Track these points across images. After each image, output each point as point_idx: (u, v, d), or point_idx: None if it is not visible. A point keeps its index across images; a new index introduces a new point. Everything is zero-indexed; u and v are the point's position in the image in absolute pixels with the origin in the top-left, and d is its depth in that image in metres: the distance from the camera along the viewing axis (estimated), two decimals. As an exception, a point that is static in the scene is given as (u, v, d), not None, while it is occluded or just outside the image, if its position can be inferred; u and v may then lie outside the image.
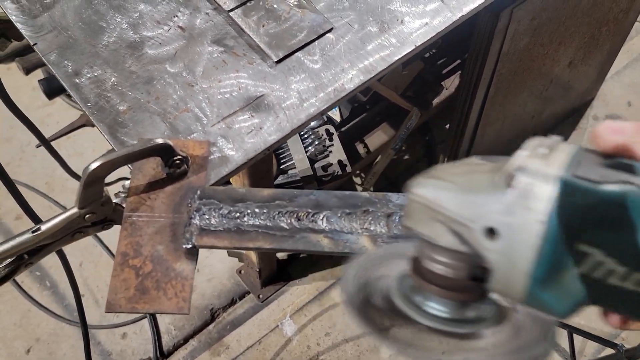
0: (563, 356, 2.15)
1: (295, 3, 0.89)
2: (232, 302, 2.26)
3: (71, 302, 2.21)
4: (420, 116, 1.80)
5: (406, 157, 2.56)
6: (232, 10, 0.88)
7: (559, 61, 2.08)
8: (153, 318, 2.19)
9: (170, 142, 0.69)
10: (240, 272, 2.30)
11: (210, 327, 2.21)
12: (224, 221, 0.69)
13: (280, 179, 1.76)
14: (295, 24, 0.87)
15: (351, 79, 0.83)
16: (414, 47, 0.86)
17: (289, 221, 0.70)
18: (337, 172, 1.76)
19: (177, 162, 0.71)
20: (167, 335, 2.17)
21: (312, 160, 1.78)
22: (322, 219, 0.70)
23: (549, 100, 2.29)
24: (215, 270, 2.32)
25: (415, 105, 1.77)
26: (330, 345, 2.19)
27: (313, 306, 2.26)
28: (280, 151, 1.79)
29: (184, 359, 2.15)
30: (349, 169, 1.76)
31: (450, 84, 2.12)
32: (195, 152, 0.74)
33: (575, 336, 2.11)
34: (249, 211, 0.70)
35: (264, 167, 1.44)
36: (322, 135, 1.82)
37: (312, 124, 1.84)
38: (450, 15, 0.90)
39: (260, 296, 2.26)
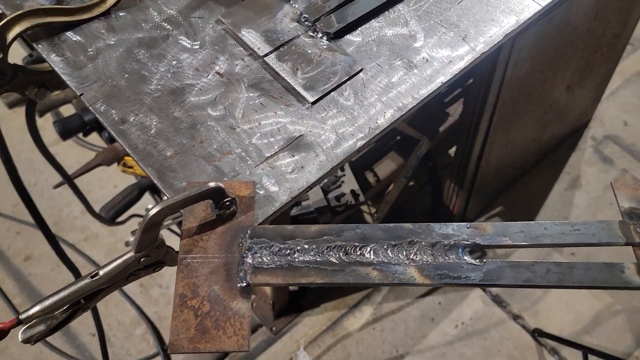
0: (579, 376, 2.16)
1: (326, 46, 0.94)
2: (246, 336, 2.26)
3: (83, 341, 2.20)
4: (429, 144, 1.84)
5: (411, 183, 2.60)
6: (266, 55, 0.92)
7: (557, 86, 2.15)
8: (166, 355, 2.18)
9: (222, 185, 0.72)
10: (252, 305, 2.30)
11: (225, 362, 2.20)
12: (276, 258, 0.72)
13: (294, 211, 1.79)
14: (328, 66, 0.91)
15: (385, 117, 0.87)
16: (440, 84, 0.91)
17: (337, 255, 0.73)
18: (351, 201, 1.79)
19: (227, 203, 0.74)
20: (182, 372, 2.16)
21: (325, 191, 1.81)
22: (370, 252, 0.73)
23: (548, 123, 2.35)
24: (228, 304, 2.32)
25: (424, 134, 1.81)
26: (346, 376, 2.19)
27: (326, 337, 2.27)
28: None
29: (200, 396, 2.14)
30: (362, 198, 1.80)
31: (455, 111, 2.18)
32: (242, 193, 0.77)
33: (590, 356, 2.13)
34: (298, 248, 0.73)
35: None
36: (334, 166, 1.86)
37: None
38: (471, 51, 0.94)
39: (274, 329, 2.26)
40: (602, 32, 2.12)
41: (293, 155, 0.82)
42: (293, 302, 2.29)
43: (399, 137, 1.97)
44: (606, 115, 2.77)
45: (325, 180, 1.80)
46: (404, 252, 0.74)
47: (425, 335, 2.27)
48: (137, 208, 2.06)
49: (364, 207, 2.26)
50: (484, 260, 0.73)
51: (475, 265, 0.73)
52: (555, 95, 2.20)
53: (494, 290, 2.37)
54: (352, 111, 0.87)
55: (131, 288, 2.31)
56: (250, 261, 0.71)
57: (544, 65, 1.93)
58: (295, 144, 0.83)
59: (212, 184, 0.71)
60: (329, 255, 0.73)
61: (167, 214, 0.69)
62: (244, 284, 0.70)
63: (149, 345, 2.22)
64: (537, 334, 2.26)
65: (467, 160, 2.13)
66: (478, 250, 0.75)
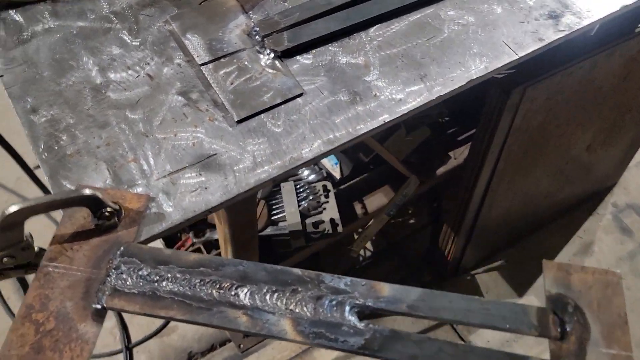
0: None
1: (270, 64, 0.88)
2: (212, 348, 2.19)
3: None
4: (419, 184, 1.75)
5: (412, 221, 2.50)
6: (204, 64, 0.87)
7: (576, 143, 2.01)
8: (130, 353, 2.14)
9: (98, 194, 0.66)
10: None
11: (186, 371, 2.14)
12: (141, 283, 0.65)
13: (268, 230, 1.73)
14: (265, 84, 0.85)
15: (311, 149, 0.80)
16: (383, 122, 0.83)
17: (209, 292, 0.66)
18: (328, 230, 1.71)
19: (107, 214, 0.68)
20: (140, 375, 2.12)
21: (304, 215, 1.74)
22: (246, 294, 0.66)
23: (565, 181, 2.21)
24: (201, 312, 2.26)
25: (415, 173, 1.72)
26: (304, 409, 2.09)
27: (294, 364, 2.18)
28: (273, 201, 1.76)
29: (153, 402, 2.08)
30: (340, 228, 1.71)
31: (460, 154, 2.08)
32: (131, 205, 0.71)
33: None
34: (169, 275, 0.66)
35: (246, 218, 1.41)
36: (319, 190, 1.79)
37: (310, 177, 1.81)
38: (427, 95, 0.86)
39: (241, 346, 2.19)
40: (634, 94, 1.98)
41: (200, 175, 0.76)
42: (266, 322, 2.22)
43: (393, 172, 1.89)
44: (632, 183, 2.59)
45: (305, 204, 1.73)
46: (284, 301, 0.66)
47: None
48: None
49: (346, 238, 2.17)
50: (370, 325, 0.65)
51: (358, 328, 0.65)
52: (574, 152, 2.06)
53: (478, 347, 2.23)
54: (278, 137, 0.81)
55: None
56: (112, 281, 0.65)
57: (561, 120, 1.81)
58: (205, 163, 0.77)
59: (86, 191, 0.66)
60: (199, 290, 0.66)
61: (28, 214, 0.64)
62: (99, 306, 0.64)
63: (115, 340, 2.19)
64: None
65: (465, 207, 2.02)
66: (367, 315, 0.66)
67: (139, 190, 0.74)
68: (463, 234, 2.16)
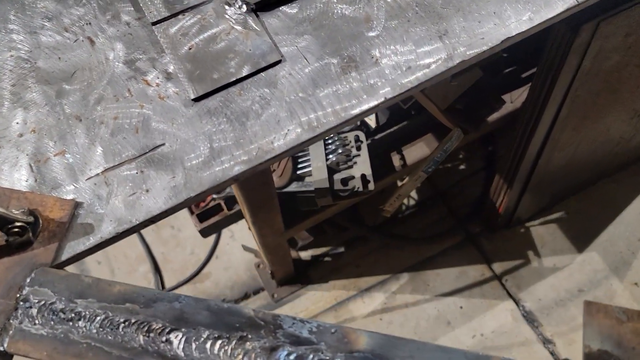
0: None
1: (241, 21, 0.68)
2: (246, 296, 2.14)
3: (87, 267, 2.20)
4: (466, 132, 1.52)
5: (462, 167, 2.27)
6: (157, 22, 0.68)
7: (660, 84, 1.69)
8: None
9: (1, 209, 0.52)
10: (258, 266, 2.16)
11: (218, 318, 2.11)
12: (52, 322, 0.52)
13: (292, 187, 1.57)
14: (232, 48, 0.66)
15: (286, 135, 0.61)
16: (384, 99, 0.63)
17: (134, 336, 0.52)
18: (358, 188, 1.54)
19: (16, 230, 0.55)
20: (173, 319, 2.11)
21: (333, 170, 1.56)
22: (180, 340, 0.51)
23: (640, 127, 1.91)
24: (234, 259, 2.20)
25: (462, 122, 1.49)
26: (338, 362, 2.02)
27: (328, 316, 2.09)
28: (299, 154, 1.59)
29: (186, 347, 2.08)
30: (371, 186, 1.53)
31: (517, 98, 1.80)
32: (53, 214, 0.57)
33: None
34: (87, 313, 0.52)
35: (261, 180, 1.26)
36: (350, 142, 1.59)
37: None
38: (446, 59, 0.64)
39: (275, 295, 2.12)
40: None
41: (141, 172, 0.60)
42: (301, 272, 2.13)
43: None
44: None
45: (334, 158, 1.55)
46: (228, 351, 0.51)
47: (436, 338, 2.03)
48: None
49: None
50: (336, 391, 0.49)
51: (319, 395, 0.49)
52: (656, 93, 1.75)
53: (528, 305, 2.06)
54: (244, 120, 0.63)
55: (142, 223, 2.24)
56: (18, 319, 0.53)
57: (642, 58, 1.50)
58: (150, 156, 0.61)
59: (-19, 207, 0.52)
60: (123, 333, 0.52)
61: None
62: (1, 349, 0.52)
63: (150, 284, 2.17)
64: (566, 369, 1.95)
65: (522, 155, 1.77)
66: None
67: (65, 193, 0.60)
68: (518, 183, 1.92)
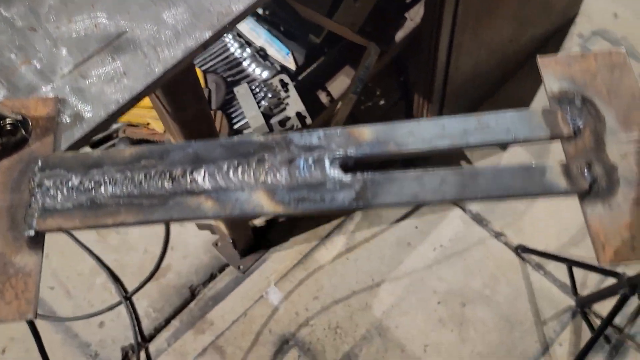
0: (564, 291, 2.02)
1: None
2: (212, 277, 2.13)
3: (40, 295, 2.10)
4: (380, 52, 1.61)
5: (382, 102, 2.39)
6: None
7: (531, -23, 1.88)
8: (129, 302, 2.07)
9: (-12, 103, 0.53)
10: (216, 244, 2.16)
11: (192, 305, 2.09)
12: (74, 195, 0.54)
13: (234, 140, 1.60)
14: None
15: (241, -2, 0.65)
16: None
17: (159, 185, 0.54)
18: (297, 125, 1.59)
19: (9, 127, 0.55)
20: (146, 319, 2.06)
21: (268, 116, 1.61)
22: (204, 177, 0.55)
23: (526, 21, 2.09)
24: (190, 245, 2.18)
25: (373, 41, 1.58)
26: (319, 309, 2.07)
27: (297, 271, 2.13)
28: (230, 109, 1.62)
29: (167, 341, 2.04)
30: (308, 120, 1.59)
31: (416, 14, 1.93)
32: (39, 113, 0.58)
33: (575, 270, 1.98)
34: (106, 178, 0.54)
35: (203, 127, 1.26)
36: (277, 86, 1.64)
37: (263, 75, 1.67)
38: None
39: (241, 267, 2.13)
40: None
41: (113, 59, 0.62)
42: (260, 238, 2.15)
43: (351, 49, 1.74)
44: (594, 8, 2.48)
45: (265, 103, 1.59)
46: (251, 174, 0.55)
47: (401, 261, 2.13)
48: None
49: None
50: (357, 175, 0.55)
51: (344, 182, 0.54)
52: (529, -11, 1.94)
53: (474, 208, 2.20)
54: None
55: (87, 237, 2.17)
56: (39, 201, 0.54)
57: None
58: (117, 45, 0.63)
59: (-29, 103, 0.52)
60: (147, 186, 0.54)
61: None
62: (32, 233, 0.52)
63: (112, 294, 2.11)
64: (521, 250, 2.11)
65: (433, 68, 1.90)
66: (352, 166, 0.56)
67: (44, 94, 0.61)
68: (436, 99, 2.05)
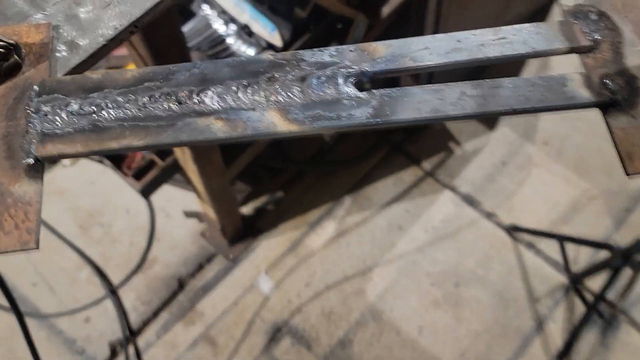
0: (556, 268, 2.02)
1: None
2: (200, 267, 2.09)
3: (22, 292, 2.02)
4: (368, 26, 1.59)
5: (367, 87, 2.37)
6: None
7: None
8: (116, 296, 2.01)
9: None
10: (204, 235, 2.12)
11: (180, 296, 2.04)
12: (75, 119, 0.50)
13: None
14: None
15: None
16: None
17: (165, 106, 0.51)
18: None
19: (1, 51, 0.51)
20: (134, 312, 2.00)
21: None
22: (212, 98, 0.51)
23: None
24: (177, 236, 2.13)
25: (362, 12, 1.56)
26: (312, 295, 2.03)
27: (288, 258, 2.10)
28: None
29: (156, 334, 1.98)
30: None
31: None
32: (32, 39, 0.54)
33: (567, 245, 1.99)
34: (108, 102, 0.51)
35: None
36: (263, 64, 1.61)
37: (249, 52, 1.63)
38: None
39: (230, 256, 2.09)
40: None
41: (110, -14, 0.59)
42: (249, 226, 2.11)
43: (339, 25, 1.72)
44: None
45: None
46: (262, 93, 0.52)
47: (394, 244, 2.11)
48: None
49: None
50: (373, 92, 0.52)
51: (360, 98, 0.52)
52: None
53: (463, 190, 2.20)
54: None
55: (69, 231, 2.10)
56: (37, 127, 0.50)
57: None
58: (113, -28, 0.59)
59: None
60: (152, 108, 0.51)
61: None
62: (30, 160, 0.49)
63: (97, 287, 2.05)
64: (513, 230, 2.11)
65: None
66: (367, 83, 0.54)
67: (36, 22, 0.57)
68: (423, 80, 2.05)
